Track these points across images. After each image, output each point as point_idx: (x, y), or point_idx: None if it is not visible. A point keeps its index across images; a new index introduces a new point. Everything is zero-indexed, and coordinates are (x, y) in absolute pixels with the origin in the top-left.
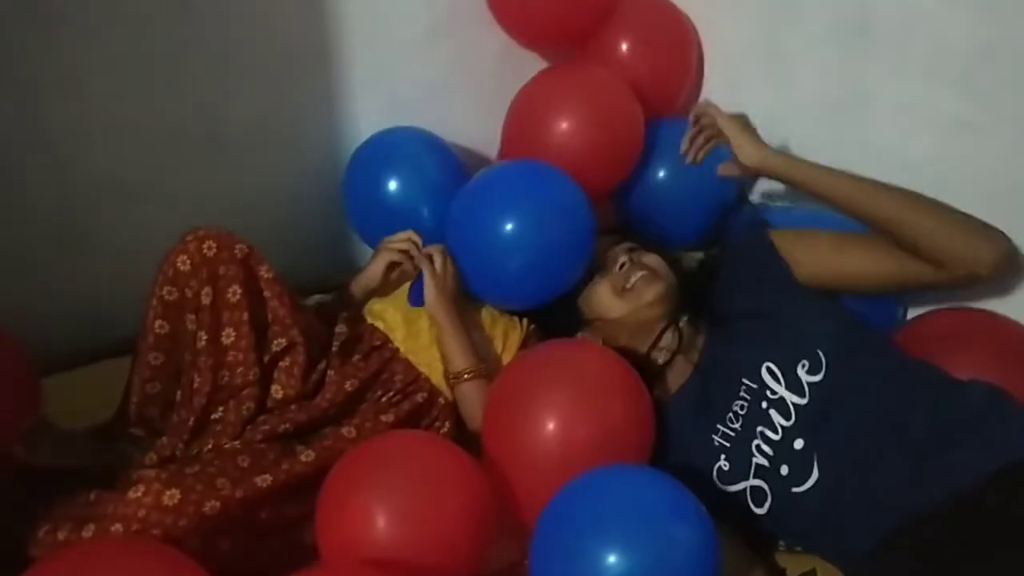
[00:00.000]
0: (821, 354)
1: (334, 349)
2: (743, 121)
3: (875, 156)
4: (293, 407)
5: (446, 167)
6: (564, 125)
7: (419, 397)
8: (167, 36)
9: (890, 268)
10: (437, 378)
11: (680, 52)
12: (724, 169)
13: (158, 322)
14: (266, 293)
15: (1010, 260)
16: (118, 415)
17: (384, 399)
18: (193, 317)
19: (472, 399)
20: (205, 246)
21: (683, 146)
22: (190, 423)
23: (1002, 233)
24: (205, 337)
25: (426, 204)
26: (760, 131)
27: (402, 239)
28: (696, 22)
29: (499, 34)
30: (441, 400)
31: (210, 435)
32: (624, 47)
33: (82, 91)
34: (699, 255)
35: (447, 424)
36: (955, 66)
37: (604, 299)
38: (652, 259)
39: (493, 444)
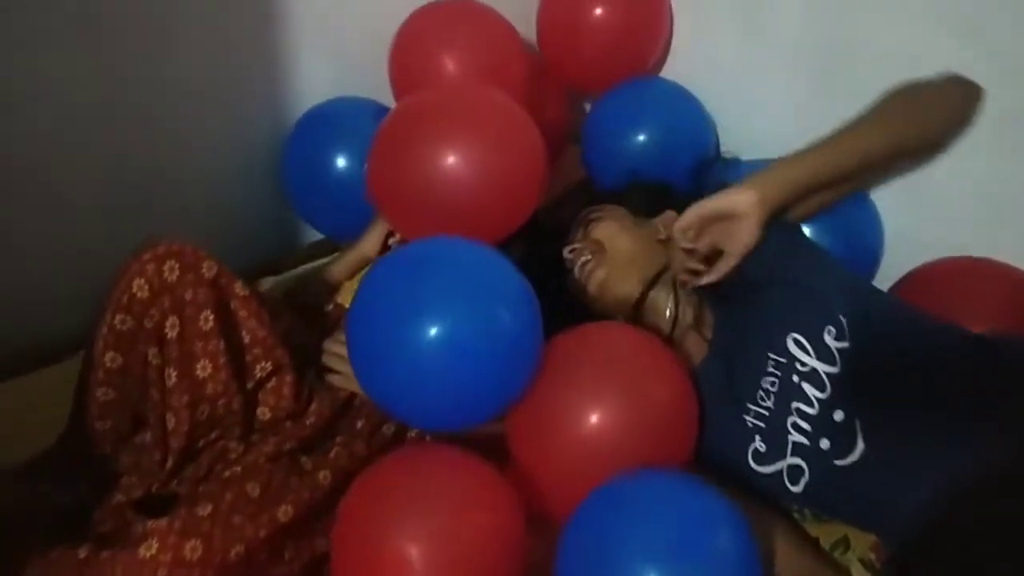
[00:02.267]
0: (843, 319)
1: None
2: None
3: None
4: (289, 423)
5: None
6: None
7: None
8: None
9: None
10: None
11: (652, 6)
12: (707, 275)
13: (109, 354)
14: (242, 313)
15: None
16: (59, 451)
17: None
18: (156, 351)
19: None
20: (166, 268)
21: (689, 277)
22: (168, 465)
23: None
24: (175, 373)
25: None
26: (731, 84)
27: None
28: None
29: None
30: None
31: (193, 466)
32: (597, 9)
33: None
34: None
35: None
36: (957, 7)
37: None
38: (602, 230)
39: (521, 436)
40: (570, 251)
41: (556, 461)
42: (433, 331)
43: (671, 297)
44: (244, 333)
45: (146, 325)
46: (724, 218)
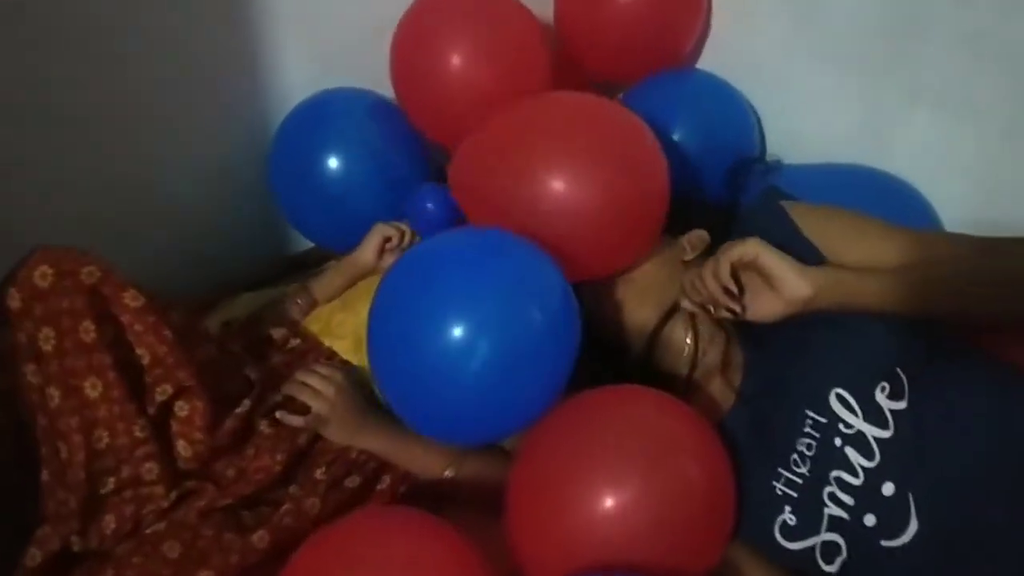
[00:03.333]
0: (902, 373)
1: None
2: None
3: (931, 101)
4: (231, 472)
5: (395, 136)
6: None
7: None
8: None
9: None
10: None
11: None
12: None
13: None
14: (136, 327)
15: None
16: None
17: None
18: (34, 368)
19: (483, 476)
20: (38, 274)
21: (705, 298)
22: (72, 505)
23: None
24: (58, 393)
25: (372, 184)
26: (776, 76)
27: (397, 227)
28: None
29: None
30: None
31: (111, 513)
32: None
33: None
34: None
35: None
36: None
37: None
38: None
39: (522, 509)
40: None
41: (559, 543)
42: (454, 327)
43: (690, 332)
44: (142, 351)
45: (21, 340)
46: (768, 279)
